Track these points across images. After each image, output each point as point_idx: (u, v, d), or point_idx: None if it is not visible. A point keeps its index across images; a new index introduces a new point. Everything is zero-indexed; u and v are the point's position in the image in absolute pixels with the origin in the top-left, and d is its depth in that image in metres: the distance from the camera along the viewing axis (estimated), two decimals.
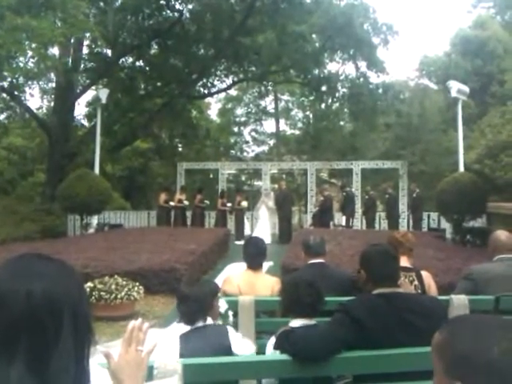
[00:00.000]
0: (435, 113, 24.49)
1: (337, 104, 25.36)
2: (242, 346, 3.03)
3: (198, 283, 3.41)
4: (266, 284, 4.25)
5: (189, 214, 18.05)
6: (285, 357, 2.52)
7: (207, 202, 18.29)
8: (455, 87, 14.38)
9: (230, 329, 3.16)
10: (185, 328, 3.00)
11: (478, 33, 24.43)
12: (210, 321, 3.06)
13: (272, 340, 3.04)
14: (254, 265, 4.34)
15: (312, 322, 3.01)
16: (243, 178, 32.35)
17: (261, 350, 3.24)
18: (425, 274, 4.17)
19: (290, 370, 2.54)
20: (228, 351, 2.92)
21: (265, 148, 36.14)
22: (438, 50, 39.64)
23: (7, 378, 1.01)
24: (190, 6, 20.99)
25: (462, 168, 14.09)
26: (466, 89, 14.71)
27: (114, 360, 1.41)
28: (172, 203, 17.14)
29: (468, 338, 1.09)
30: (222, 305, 3.24)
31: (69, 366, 1.07)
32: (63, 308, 1.09)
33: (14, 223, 14.94)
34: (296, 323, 3.00)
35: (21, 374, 1.01)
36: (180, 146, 30.12)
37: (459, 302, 3.63)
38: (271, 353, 2.92)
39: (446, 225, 15.03)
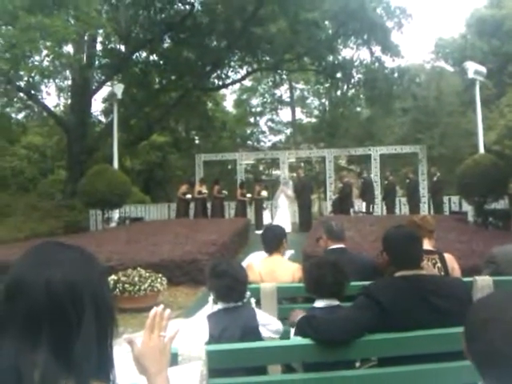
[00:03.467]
0: (452, 95, 24.18)
1: (352, 90, 25.15)
2: (271, 322, 3.13)
3: (233, 262, 3.44)
4: (286, 271, 4.25)
5: (209, 205, 18.11)
6: (308, 341, 2.51)
7: (225, 192, 18.33)
8: (472, 68, 14.18)
9: (258, 311, 3.23)
10: (217, 308, 3.06)
11: (494, 12, 23.95)
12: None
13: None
14: (270, 249, 4.33)
15: (335, 302, 3.02)
16: (261, 168, 32.30)
17: (284, 336, 3.24)
18: (448, 256, 4.10)
19: (313, 354, 2.53)
20: (256, 332, 3.01)
21: (281, 137, 36.10)
22: (453, 31, 39.18)
23: (32, 363, 1.03)
24: None
25: (482, 150, 13.91)
26: (483, 70, 14.50)
27: (138, 346, 1.43)
28: (189, 196, 17.19)
29: (489, 305, 1.19)
30: None
31: (91, 351, 1.09)
32: (83, 294, 1.10)
33: (37, 219, 15.17)
34: (320, 304, 3.04)
35: (45, 359, 1.04)
36: (197, 138, 30.23)
37: (483, 283, 3.60)
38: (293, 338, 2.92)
39: (467, 207, 14.87)
